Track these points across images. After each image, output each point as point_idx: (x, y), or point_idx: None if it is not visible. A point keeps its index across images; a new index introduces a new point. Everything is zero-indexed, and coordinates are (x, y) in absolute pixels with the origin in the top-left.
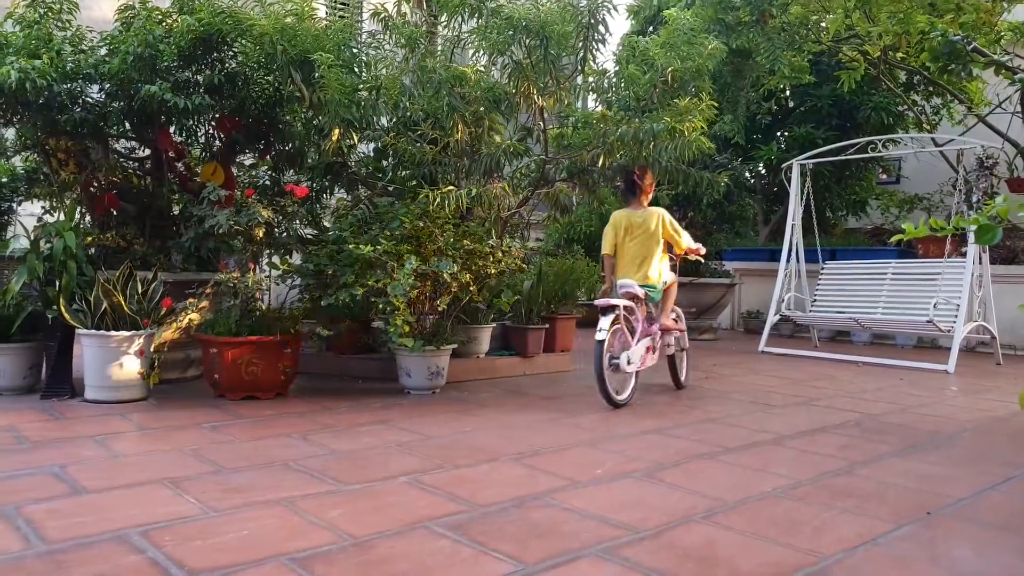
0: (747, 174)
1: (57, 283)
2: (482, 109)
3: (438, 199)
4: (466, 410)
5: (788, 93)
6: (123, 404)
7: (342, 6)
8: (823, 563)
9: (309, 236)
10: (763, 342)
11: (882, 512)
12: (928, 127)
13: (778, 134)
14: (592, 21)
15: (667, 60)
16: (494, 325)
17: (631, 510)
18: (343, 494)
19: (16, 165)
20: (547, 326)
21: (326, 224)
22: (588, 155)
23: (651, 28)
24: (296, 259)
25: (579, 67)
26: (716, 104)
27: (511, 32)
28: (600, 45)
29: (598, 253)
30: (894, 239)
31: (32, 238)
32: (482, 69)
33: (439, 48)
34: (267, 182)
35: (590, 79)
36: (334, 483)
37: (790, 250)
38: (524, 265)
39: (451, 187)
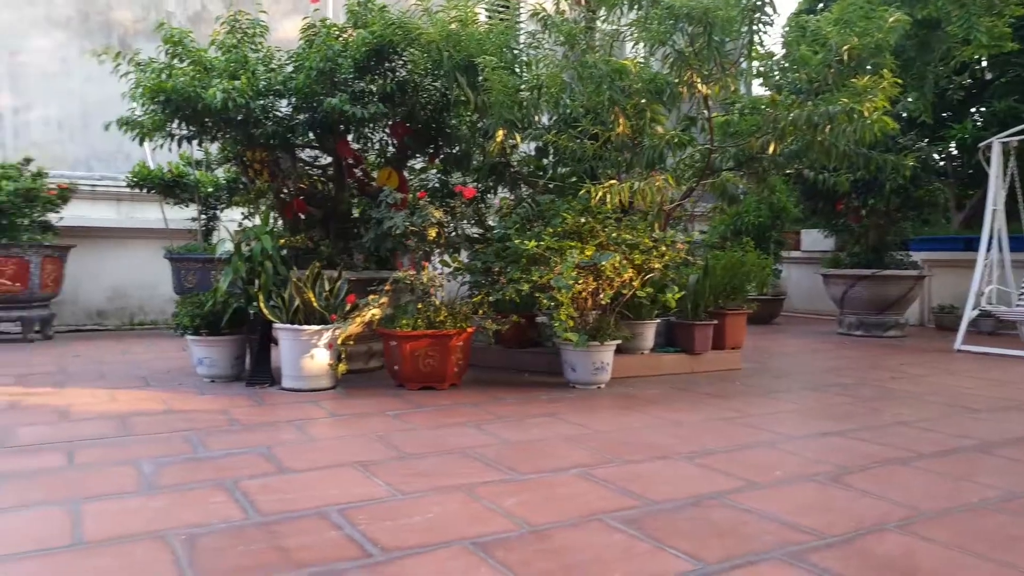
0: (936, 156)
1: (256, 282)
2: (643, 101)
3: (599, 194)
4: (632, 406)
5: (985, 64)
6: (315, 392)
7: (502, 8)
8: None
9: (475, 235)
10: (959, 339)
11: None
12: None
13: (972, 110)
14: (759, 3)
15: (842, 37)
16: (658, 321)
17: (816, 514)
18: (517, 483)
19: (219, 176)
20: (715, 322)
21: (491, 223)
22: (757, 142)
23: (821, 5)
24: (463, 257)
25: (745, 51)
26: (899, 81)
27: (672, 21)
28: (767, 27)
29: (768, 244)
30: None
31: (235, 241)
32: (642, 61)
33: (598, 43)
34: (436, 184)
35: (755, 63)
36: (509, 472)
37: (991, 238)
38: (690, 258)
39: (612, 181)
